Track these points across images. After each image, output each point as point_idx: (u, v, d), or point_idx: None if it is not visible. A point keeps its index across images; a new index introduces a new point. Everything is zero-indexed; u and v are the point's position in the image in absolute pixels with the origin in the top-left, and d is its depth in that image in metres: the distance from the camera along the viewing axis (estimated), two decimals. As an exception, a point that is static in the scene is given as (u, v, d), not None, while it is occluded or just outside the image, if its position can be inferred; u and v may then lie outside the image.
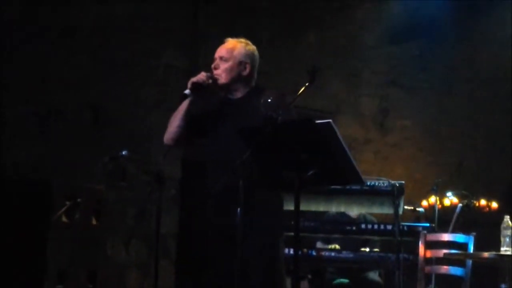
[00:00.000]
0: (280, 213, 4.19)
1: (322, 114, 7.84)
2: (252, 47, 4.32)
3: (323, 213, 6.65)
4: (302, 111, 4.29)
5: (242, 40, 4.32)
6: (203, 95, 4.24)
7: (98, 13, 7.50)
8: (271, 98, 4.11)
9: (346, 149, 3.64)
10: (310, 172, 3.64)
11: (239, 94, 4.28)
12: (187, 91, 4.20)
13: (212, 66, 4.27)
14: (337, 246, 6.28)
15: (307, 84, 3.77)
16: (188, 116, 4.24)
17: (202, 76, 4.20)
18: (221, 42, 4.35)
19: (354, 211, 6.61)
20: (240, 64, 4.25)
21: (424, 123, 8.89)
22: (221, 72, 4.23)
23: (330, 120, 3.62)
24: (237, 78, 4.25)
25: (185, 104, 4.23)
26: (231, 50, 4.25)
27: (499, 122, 8.49)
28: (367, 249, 6.22)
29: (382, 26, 8.87)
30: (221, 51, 4.27)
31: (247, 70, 4.26)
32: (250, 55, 4.28)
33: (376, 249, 6.32)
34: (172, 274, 7.54)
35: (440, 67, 8.97)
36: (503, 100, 8.52)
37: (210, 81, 4.20)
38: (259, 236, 4.03)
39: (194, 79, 4.19)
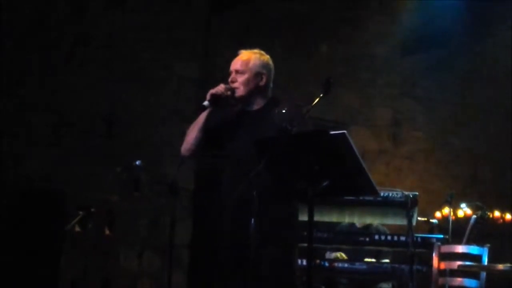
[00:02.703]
0: (295, 224, 4.17)
1: (336, 125, 7.84)
2: (266, 57, 4.32)
3: (336, 224, 6.64)
4: (316, 122, 4.28)
5: (256, 51, 4.32)
6: (221, 107, 4.24)
7: (111, 24, 7.53)
8: (285, 109, 4.11)
9: (360, 160, 3.63)
10: (324, 183, 3.64)
11: (256, 106, 4.27)
12: (206, 103, 4.19)
13: (229, 79, 4.26)
14: (343, 254, 6.28)
15: (321, 96, 3.77)
16: (206, 127, 4.24)
17: (221, 88, 4.19)
18: (234, 53, 4.35)
19: (366, 221, 6.58)
20: (257, 75, 4.25)
21: (438, 135, 8.87)
22: (239, 85, 4.22)
23: (344, 131, 3.62)
24: (254, 90, 4.24)
25: (203, 116, 4.23)
26: (247, 62, 4.25)
27: (512, 133, 8.46)
28: (372, 260, 6.19)
29: (395, 37, 8.87)
30: (237, 64, 4.27)
31: (264, 81, 4.26)
32: (265, 66, 4.29)
33: (386, 260, 6.29)
34: (185, 285, 7.53)
35: (453, 78, 8.96)
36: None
37: (229, 92, 4.20)
38: (273, 247, 4.02)
39: (213, 90, 4.19)
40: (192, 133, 4.28)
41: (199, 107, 4.23)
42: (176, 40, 7.79)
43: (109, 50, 7.49)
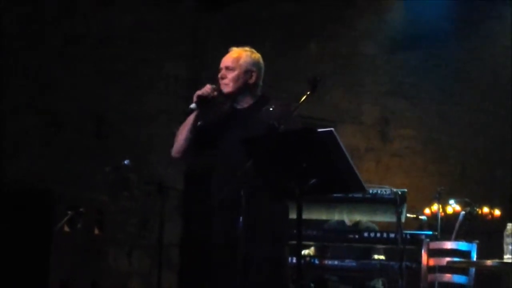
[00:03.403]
0: (286, 221, 4.18)
1: (324, 123, 7.85)
2: (257, 55, 4.33)
3: (326, 221, 6.65)
4: (304, 120, 4.29)
5: (247, 48, 4.33)
6: (209, 107, 4.25)
7: (101, 23, 7.52)
8: (273, 107, 4.12)
9: (348, 157, 3.65)
10: (312, 181, 3.65)
11: (245, 104, 4.28)
12: (192, 105, 4.19)
13: (219, 75, 4.28)
14: (310, 252, 6.31)
15: (308, 94, 3.78)
16: (195, 129, 4.25)
17: (207, 88, 4.20)
18: (224, 52, 4.36)
19: (355, 219, 6.60)
20: (247, 72, 4.25)
21: (426, 132, 8.91)
22: (228, 81, 4.23)
23: (332, 129, 3.62)
24: (243, 87, 4.25)
25: (191, 118, 4.23)
26: (237, 59, 4.26)
27: (500, 130, 8.51)
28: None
29: (383, 35, 8.91)
30: (227, 60, 4.27)
31: (253, 78, 4.27)
32: (255, 63, 4.30)
33: (376, 257, 6.31)
34: (175, 284, 7.54)
35: (441, 76, 9.01)
36: (504, 109, 8.55)
37: (216, 93, 4.21)
38: (264, 246, 4.03)
39: (199, 92, 4.19)
40: (182, 135, 4.28)
41: (186, 111, 4.23)
42: (165, 40, 7.79)
43: (99, 49, 7.49)
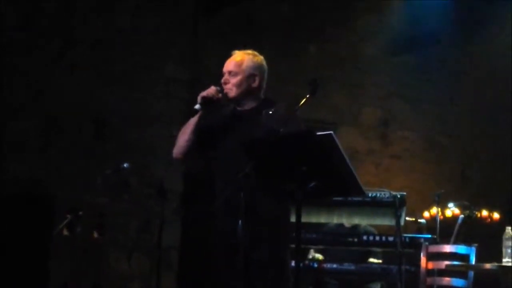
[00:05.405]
0: (287, 224, 4.17)
1: (324, 126, 7.85)
2: (259, 58, 4.31)
3: (325, 224, 6.65)
4: (304, 123, 4.29)
5: (249, 51, 4.31)
6: (213, 109, 4.24)
7: (99, 26, 7.53)
8: (273, 110, 4.11)
9: (347, 160, 3.65)
10: (312, 184, 3.65)
11: (248, 107, 4.28)
12: (197, 106, 4.18)
13: (222, 81, 4.26)
14: (319, 256, 6.31)
15: (307, 96, 3.79)
16: (198, 130, 4.24)
17: (211, 90, 4.19)
18: (223, 55, 4.35)
19: (354, 222, 6.59)
20: (250, 77, 4.24)
21: (426, 134, 8.91)
22: (232, 86, 4.22)
23: (331, 132, 3.63)
24: (247, 91, 4.24)
25: (194, 119, 4.22)
26: (240, 64, 4.24)
27: (501, 133, 8.51)
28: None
29: (383, 37, 8.90)
30: (229, 65, 4.26)
31: (257, 82, 4.26)
32: (258, 67, 4.28)
33: (375, 260, 6.31)
34: (174, 287, 7.53)
35: (441, 78, 9.00)
36: (504, 111, 8.55)
37: (220, 95, 4.19)
38: (265, 248, 4.03)
39: (203, 93, 4.18)
40: (184, 136, 4.27)
41: (191, 110, 4.22)
42: (164, 42, 7.79)
43: (98, 52, 7.49)
